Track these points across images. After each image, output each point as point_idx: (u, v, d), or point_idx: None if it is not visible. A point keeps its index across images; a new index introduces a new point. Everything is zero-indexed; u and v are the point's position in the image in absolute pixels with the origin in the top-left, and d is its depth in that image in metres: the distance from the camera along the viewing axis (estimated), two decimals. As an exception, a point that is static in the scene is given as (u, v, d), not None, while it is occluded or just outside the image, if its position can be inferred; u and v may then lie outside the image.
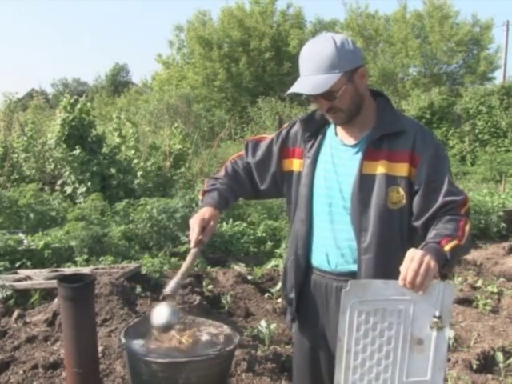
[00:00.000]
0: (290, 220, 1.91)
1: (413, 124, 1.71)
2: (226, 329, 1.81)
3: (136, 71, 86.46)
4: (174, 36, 27.85)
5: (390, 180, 1.64)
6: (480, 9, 64.24)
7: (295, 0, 36.05)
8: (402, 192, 1.64)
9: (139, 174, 8.80)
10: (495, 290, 4.87)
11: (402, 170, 1.64)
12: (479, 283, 5.10)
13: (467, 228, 1.60)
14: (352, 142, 1.74)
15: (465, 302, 4.66)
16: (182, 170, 9.87)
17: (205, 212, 1.78)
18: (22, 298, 4.33)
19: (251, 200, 8.50)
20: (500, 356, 3.36)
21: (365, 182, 1.66)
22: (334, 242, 1.75)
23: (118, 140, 9.62)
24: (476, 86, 22.51)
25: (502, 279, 5.27)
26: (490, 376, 3.26)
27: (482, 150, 16.75)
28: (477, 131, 17.81)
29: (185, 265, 1.74)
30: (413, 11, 26.00)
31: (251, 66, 24.49)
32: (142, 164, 9.02)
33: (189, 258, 1.76)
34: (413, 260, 1.41)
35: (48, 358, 3.11)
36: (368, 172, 1.66)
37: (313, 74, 1.62)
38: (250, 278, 5.28)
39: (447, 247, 1.51)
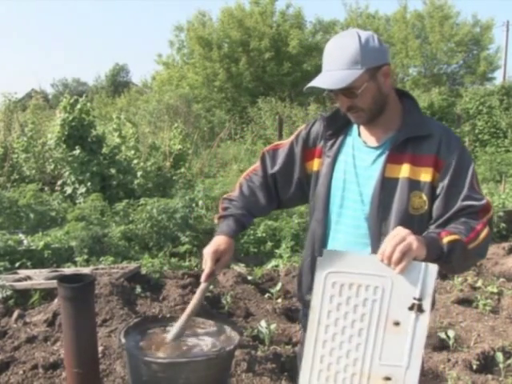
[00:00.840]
0: (310, 219, 1.87)
1: (439, 128, 1.66)
2: (226, 329, 1.81)
3: (136, 71, 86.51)
4: (174, 36, 27.92)
5: (413, 184, 1.60)
6: (480, 9, 64.24)
7: (295, 0, 36.09)
8: (424, 197, 1.61)
9: (139, 174, 8.80)
10: (495, 290, 4.87)
11: (425, 174, 1.60)
12: (479, 283, 5.10)
13: (483, 233, 1.52)
14: (375, 143, 1.69)
15: (465, 302, 4.66)
16: (182, 170, 9.87)
17: (220, 242, 1.72)
18: (22, 298, 4.33)
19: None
20: (500, 356, 3.36)
21: (387, 186, 1.62)
22: (351, 246, 1.69)
23: (117, 140, 9.62)
24: (476, 87, 22.55)
25: (502, 279, 5.27)
26: (490, 376, 3.26)
27: (482, 151, 16.76)
28: (477, 131, 17.81)
29: (191, 304, 1.67)
30: (413, 11, 26.06)
31: (251, 66, 24.49)
32: (141, 164, 9.02)
33: (197, 294, 1.68)
34: (395, 236, 1.37)
35: (48, 358, 3.11)
36: (390, 175, 1.62)
37: (334, 69, 1.58)
38: (250, 278, 5.28)
39: (446, 239, 1.46)
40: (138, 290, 4.39)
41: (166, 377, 1.58)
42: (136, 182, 8.63)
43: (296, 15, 26.30)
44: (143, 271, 4.98)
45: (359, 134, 1.74)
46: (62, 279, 1.94)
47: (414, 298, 1.37)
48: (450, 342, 3.67)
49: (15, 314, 3.92)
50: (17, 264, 5.07)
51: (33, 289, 4.37)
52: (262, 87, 24.25)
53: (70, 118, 8.58)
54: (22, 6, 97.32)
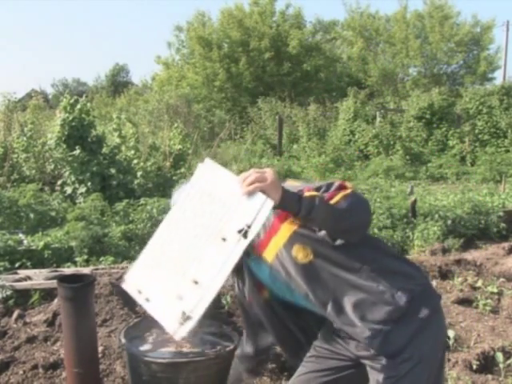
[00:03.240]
0: None
1: None
2: (226, 329, 1.81)
3: (136, 71, 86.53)
4: (174, 36, 27.90)
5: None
6: (480, 9, 64.26)
7: (294, 0, 36.07)
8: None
9: (139, 174, 8.80)
10: (495, 290, 4.86)
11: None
12: (479, 283, 5.09)
13: (344, 192, 1.63)
14: None
15: (465, 302, 4.66)
16: (182, 170, 9.87)
17: None
18: (22, 299, 4.33)
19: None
20: (500, 356, 3.36)
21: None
22: None
23: (117, 140, 9.62)
24: (476, 87, 22.54)
25: (501, 279, 5.26)
26: (489, 376, 3.26)
27: (482, 151, 16.74)
28: (477, 131, 17.80)
29: None
30: (413, 11, 26.03)
31: (251, 66, 24.48)
32: (141, 164, 9.02)
33: None
34: (260, 170, 1.55)
35: (48, 358, 3.11)
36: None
37: None
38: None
39: (306, 194, 1.59)
40: (138, 290, 4.39)
41: (165, 377, 1.58)
42: (136, 182, 8.63)
43: (296, 15, 26.29)
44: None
45: None
46: (62, 279, 1.94)
47: (246, 224, 1.50)
48: (450, 342, 3.67)
49: (15, 314, 3.92)
50: (17, 264, 5.07)
51: (33, 289, 4.37)
52: (261, 87, 24.24)
53: (70, 118, 8.58)
54: (22, 6, 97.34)
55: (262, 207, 1.50)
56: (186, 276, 1.57)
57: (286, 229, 1.67)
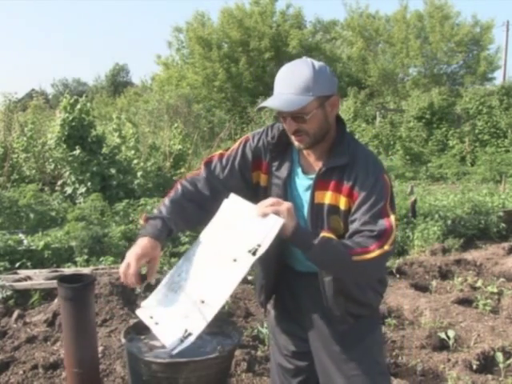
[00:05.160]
0: None
1: (360, 157, 1.72)
2: (226, 329, 1.81)
3: (136, 71, 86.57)
4: (173, 37, 27.88)
5: (333, 209, 1.71)
6: (480, 9, 64.26)
7: (295, 0, 36.06)
8: (341, 222, 1.71)
9: (139, 174, 8.80)
10: (495, 290, 4.86)
11: (343, 203, 1.69)
12: (479, 283, 5.09)
13: (375, 253, 1.58)
14: (309, 171, 1.78)
15: (465, 302, 4.66)
16: (182, 170, 9.88)
17: (145, 245, 1.67)
18: (22, 299, 4.33)
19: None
20: (500, 356, 3.36)
21: (316, 211, 1.73)
22: (300, 259, 1.80)
23: (117, 140, 9.63)
24: (476, 87, 22.53)
25: (501, 279, 5.26)
26: (490, 376, 3.26)
27: (482, 151, 16.75)
28: (477, 131, 17.80)
29: None
30: (413, 11, 26.00)
31: (251, 66, 24.47)
32: (141, 164, 9.02)
33: None
34: (279, 200, 1.58)
35: (48, 358, 3.11)
36: (319, 201, 1.73)
37: (287, 93, 1.64)
38: (250, 278, 5.27)
39: (323, 233, 1.57)
40: (138, 290, 4.39)
41: (165, 377, 1.58)
42: (136, 182, 8.63)
43: (296, 15, 26.29)
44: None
45: (298, 160, 1.81)
46: (62, 279, 1.94)
47: (257, 244, 1.53)
48: (450, 342, 3.67)
49: (15, 314, 3.92)
50: (17, 264, 5.07)
51: (33, 289, 4.37)
52: (261, 87, 24.22)
53: (70, 118, 8.58)
54: (22, 6, 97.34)
55: (273, 226, 1.52)
56: (195, 297, 1.60)
57: (338, 199, 1.69)
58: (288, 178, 1.79)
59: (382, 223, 1.62)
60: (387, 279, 1.97)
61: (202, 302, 1.57)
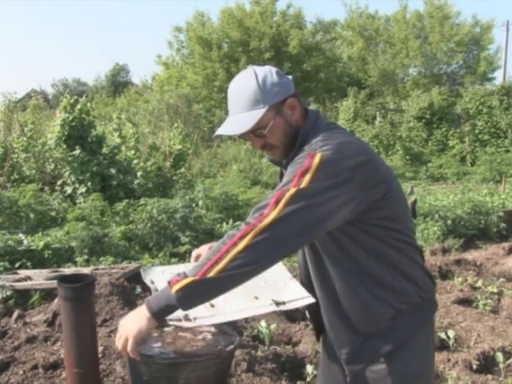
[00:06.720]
0: None
1: (309, 142, 1.52)
2: (226, 329, 1.81)
3: (136, 71, 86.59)
4: (173, 37, 27.88)
5: None
6: (480, 9, 64.33)
7: (295, 0, 36.06)
8: None
9: (139, 174, 8.81)
10: (495, 290, 4.86)
11: None
12: (479, 283, 5.09)
13: (242, 244, 1.35)
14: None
15: (465, 302, 4.66)
16: (182, 170, 9.88)
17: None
18: (22, 299, 4.33)
19: (251, 200, 8.53)
20: (500, 356, 3.36)
21: None
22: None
23: (117, 140, 9.63)
24: (476, 87, 22.53)
25: (502, 279, 5.26)
26: (490, 376, 3.26)
27: (482, 151, 16.76)
28: (477, 131, 17.81)
29: None
30: (413, 11, 26.02)
31: (251, 67, 24.46)
32: (141, 164, 9.03)
33: None
34: (118, 331, 1.48)
35: (48, 358, 3.11)
36: None
37: (237, 113, 1.54)
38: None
39: (174, 289, 1.37)
40: (138, 290, 4.39)
41: (165, 377, 1.58)
42: (136, 182, 8.63)
43: (296, 15, 26.28)
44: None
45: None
46: (62, 279, 1.94)
47: (283, 301, 1.67)
48: (450, 342, 3.67)
49: (15, 314, 3.92)
50: (17, 264, 5.07)
51: (33, 289, 4.37)
52: (261, 87, 24.20)
53: (70, 118, 8.59)
54: (22, 6, 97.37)
55: (303, 300, 1.65)
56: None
57: None
58: None
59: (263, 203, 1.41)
60: (397, 281, 1.55)
61: (212, 306, 1.64)
